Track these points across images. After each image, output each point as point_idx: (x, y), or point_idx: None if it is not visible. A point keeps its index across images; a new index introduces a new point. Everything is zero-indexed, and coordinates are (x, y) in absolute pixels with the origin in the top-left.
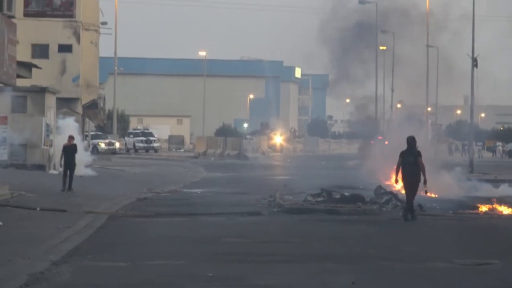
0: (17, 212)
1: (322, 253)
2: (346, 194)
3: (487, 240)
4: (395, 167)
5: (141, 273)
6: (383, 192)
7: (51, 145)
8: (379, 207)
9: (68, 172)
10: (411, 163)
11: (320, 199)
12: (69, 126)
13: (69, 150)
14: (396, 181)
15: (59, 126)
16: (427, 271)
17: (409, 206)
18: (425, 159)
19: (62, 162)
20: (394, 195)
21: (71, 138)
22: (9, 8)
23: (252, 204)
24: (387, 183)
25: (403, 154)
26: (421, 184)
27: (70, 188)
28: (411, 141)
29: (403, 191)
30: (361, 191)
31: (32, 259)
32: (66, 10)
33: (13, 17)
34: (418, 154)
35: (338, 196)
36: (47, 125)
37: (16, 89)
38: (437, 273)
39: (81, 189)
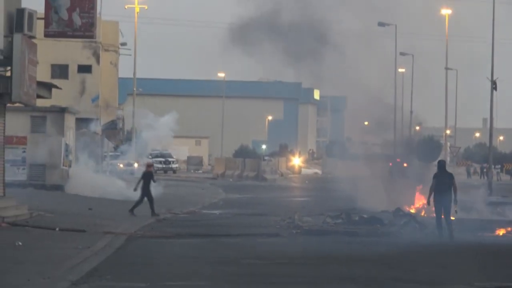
0: (36, 232)
1: (341, 275)
2: (365, 216)
3: (508, 263)
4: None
5: None
6: (402, 214)
7: (70, 166)
8: (397, 229)
9: (146, 199)
10: (446, 184)
11: (339, 221)
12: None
13: (147, 177)
14: (428, 203)
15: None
16: None
17: (439, 225)
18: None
19: (139, 187)
20: (413, 217)
21: (149, 166)
22: (30, 28)
23: (271, 225)
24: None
25: (437, 176)
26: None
27: (153, 213)
28: (443, 163)
29: (422, 213)
30: (380, 213)
31: (51, 279)
32: (87, 31)
33: (34, 37)
34: (452, 176)
35: (357, 218)
36: (66, 145)
37: (35, 109)
38: None
39: (100, 210)
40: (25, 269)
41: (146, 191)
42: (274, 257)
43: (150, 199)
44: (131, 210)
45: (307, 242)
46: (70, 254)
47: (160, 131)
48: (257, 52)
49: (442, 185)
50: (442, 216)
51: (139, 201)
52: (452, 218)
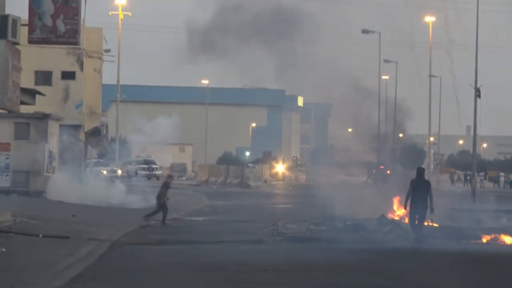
0: (20, 238)
1: (324, 282)
2: (349, 223)
3: (490, 271)
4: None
5: None
6: (386, 221)
7: (53, 172)
8: (382, 237)
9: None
10: (422, 191)
11: (323, 228)
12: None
13: (166, 187)
14: (405, 207)
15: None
16: None
17: (416, 232)
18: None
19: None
20: (396, 224)
21: (170, 176)
22: (14, 35)
23: (254, 232)
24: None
25: (413, 183)
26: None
27: (164, 222)
28: (422, 171)
29: (406, 220)
30: (364, 220)
31: (35, 285)
32: (71, 37)
33: (17, 43)
34: (428, 183)
35: (340, 225)
36: (50, 152)
37: (19, 115)
38: None
39: (84, 216)
40: (8, 276)
41: (162, 200)
42: (258, 264)
43: (165, 208)
44: (147, 216)
45: (290, 249)
46: (54, 261)
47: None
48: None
49: (418, 192)
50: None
51: (157, 211)
52: (426, 223)
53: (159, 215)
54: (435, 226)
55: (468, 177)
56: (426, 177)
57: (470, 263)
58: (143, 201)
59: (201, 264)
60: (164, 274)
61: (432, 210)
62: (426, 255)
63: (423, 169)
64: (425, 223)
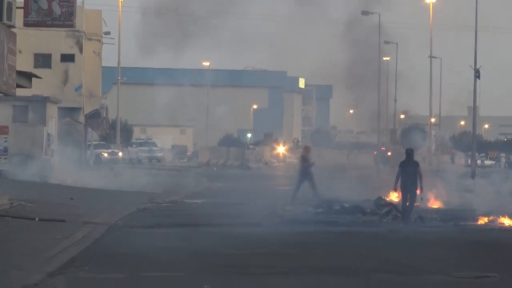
0: (15, 222)
1: (320, 265)
2: (346, 205)
3: (487, 253)
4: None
5: (137, 285)
6: (383, 204)
7: (52, 155)
8: (379, 219)
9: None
10: (410, 173)
11: (320, 210)
12: None
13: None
14: (395, 189)
15: None
16: (424, 284)
17: (404, 212)
18: (424, 169)
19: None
20: (394, 206)
21: (307, 148)
22: (9, 17)
23: (252, 215)
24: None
25: (402, 164)
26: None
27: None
28: (410, 152)
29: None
30: (361, 202)
31: (27, 270)
32: (66, 20)
33: (13, 26)
34: (417, 164)
35: (338, 207)
36: (48, 134)
37: (17, 98)
38: (434, 286)
39: (82, 200)
40: (0, 260)
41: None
42: (254, 247)
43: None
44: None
45: (287, 231)
46: (49, 245)
47: None
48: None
49: (407, 173)
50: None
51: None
52: (417, 204)
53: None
54: (430, 208)
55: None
56: (419, 158)
57: (467, 245)
58: (143, 183)
59: (197, 248)
60: (159, 258)
61: (421, 190)
62: (422, 238)
63: (412, 150)
64: (416, 204)
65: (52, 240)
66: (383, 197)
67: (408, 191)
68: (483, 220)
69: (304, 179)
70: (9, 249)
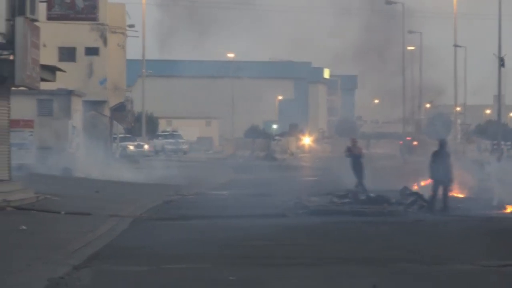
0: (41, 216)
1: (346, 255)
2: (372, 195)
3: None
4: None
5: (162, 277)
6: (408, 193)
7: (77, 148)
8: (404, 208)
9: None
10: (442, 163)
11: (346, 200)
12: None
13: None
14: (430, 179)
15: None
16: (450, 273)
17: (432, 202)
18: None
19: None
20: (420, 196)
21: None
22: (32, 11)
23: (277, 206)
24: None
25: (435, 154)
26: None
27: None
28: (443, 142)
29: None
30: (387, 192)
31: (52, 263)
32: (89, 13)
33: (36, 20)
34: (448, 155)
35: (363, 198)
36: (73, 128)
37: (42, 92)
38: (459, 275)
39: (107, 192)
40: (27, 253)
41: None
42: (279, 238)
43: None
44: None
45: (312, 222)
46: (74, 238)
47: None
48: None
49: (439, 163)
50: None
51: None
52: (460, 195)
53: None
54: (457, 197)
55: (495, 147)
56: (453, 148)
57: (493, 234)
58: (169, 176)
59: (222, 239)
60: (184, 250)
61: (452, 181)
62: (447, 227)
63: (445, 141)
64: (449, 194)
65: (78, 233)
66: (408, 187)
67: (439, 181)
68: (509, 208)
69: (357, 169)
70: (35, 242)
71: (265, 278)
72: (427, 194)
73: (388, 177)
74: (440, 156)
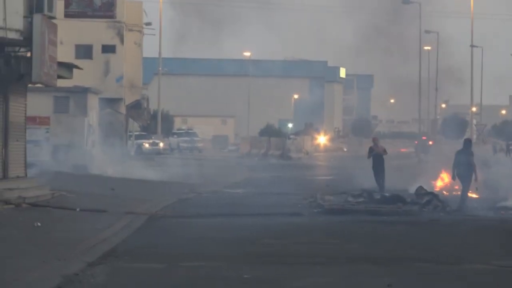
0: (57, 212)
1: (360, 255)
2: (387, 194)
3: None
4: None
5: (177, 275)
6: (424, 193)
7: (93, 146)
8: (419, 208)
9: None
10: (465, 162)
11: (361, 199)
12: None
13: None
14: (453, 178)
15: None
16: (465, 273)
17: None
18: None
19: None
20: (435, 195)
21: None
22: (50, 9)
23: (292, 204)
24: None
25: (458, 153)
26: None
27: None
28: (468, 142)
29: (444, 192)
30: (402, 191)
31: (67, 260)
32: (107, 11)
33: (54, 17)
34: (471, 154)
35: (378, 197)
36: (89, 125)
37: (59, 89)
38: (474, 275)
39: (122, 190)
40: (41, 250)
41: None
42: (294, 237)
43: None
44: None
45: (328, 221)
46: (89, 235)
47: None
48: None
49: (461, 163)
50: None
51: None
52: (474, 195)
53: None
54: (474, 197)
55: (511, 147)
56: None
57: (507, 234)
58: (184, 173)
59: (237, 238)
60: (199, 248)
61: (476, 179)
62: (462, 227)
63: (470, 140)
64: (469, 194)
65: (93, 230)
66: (423, 186)
67: (461, 180)
68: None
69: (379, 169)
70: (50, 239)
71: (280, 276)
72: (442, 194)
73: (404, 177)
74: (464, 155)
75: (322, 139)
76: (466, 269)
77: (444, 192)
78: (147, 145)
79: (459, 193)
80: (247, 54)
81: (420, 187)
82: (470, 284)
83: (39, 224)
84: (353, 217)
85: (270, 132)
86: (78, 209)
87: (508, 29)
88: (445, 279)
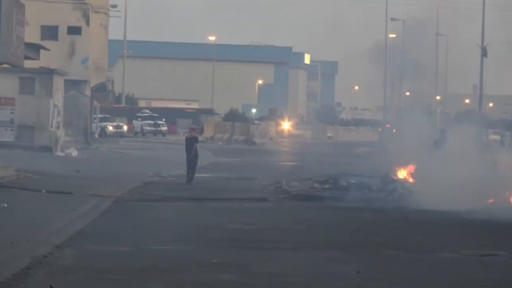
0: (22, 194)
1: (327, 241)
2: (353, 181)
3: (496, 232)
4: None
5: (145, 258)
6: (389, 181)
7: (58, 127)
8: (385, 196)
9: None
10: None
11: (327, 186)
12: None
13: (190, 142)
14: None
15: None
16: (432, 261)
17: None
18: None
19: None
20: (400, 183)
21: (192, 130)
22: None
23: (258, 190)
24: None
25: (436, 144)
26: None
27: (190, 180)
28: (444, 133)
29: (410, 179)
30: (368, 179)
31: (35, 242)
32: None
33: None
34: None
35: (344, 184)
36: (55, 106)
37: (24, 70)
38: (442, 264)
39: (88, 172)
40: (8, 231)
41: (188, 156)
42: (261, 222)
43: (192, 166)
44: (189, 182)
45: (294, 207)
46: (56, 217)
47: None
48: None
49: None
50: None
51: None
52: None
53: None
54: None
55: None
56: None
57: (475, 224)
58: (148, 156)
59: (203, 222)
60: (166, 232)
61: None
62: (429, 216)
63: (445, 131)
64: None
65: (59, 212)
66: (389, 174)
67: None
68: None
69: None
70: (17, 220)
71: (248, 261)
72: (407, 182)
73: (369, 164)
74: (440, 145)
75: (286, 125)
76: (434, 257)
77: (410, 180)
78: (111, 128)
79: None
80: (211, 38)
81: (386, 175)
82: (437, 272)
83: (5, 205)
84: (319, 203)
85: (234, 117)
86: (43, 191)
87: (473, 17)
88: (413, 266)
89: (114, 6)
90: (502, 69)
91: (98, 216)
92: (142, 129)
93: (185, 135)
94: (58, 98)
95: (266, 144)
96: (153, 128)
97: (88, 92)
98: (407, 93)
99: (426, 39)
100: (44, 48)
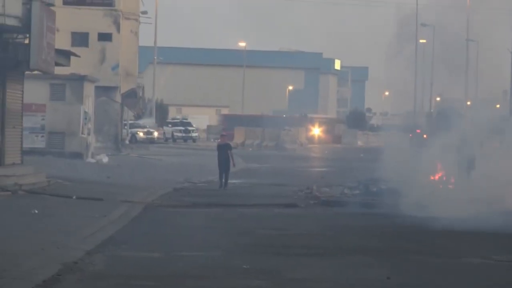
0: (53, 200)
1: (357, 247)
2: (383, 187)
3: None
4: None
5: (174, 264)
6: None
7: (89, 134)
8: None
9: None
10: None
11: (357, 192)
12: None
13: (222, 148)
14: None
15: None
16: (462, 266)
17: None
18: None
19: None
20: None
21: (223, 136)
22: None
23: (289, 196)
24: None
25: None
26: None
27: (225, 186)
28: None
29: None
30: (398, 184)
31: (66, 248)
32: None
33: (52, 5)
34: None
35: (375, 189)
36: (85, 113)
37: (55, 77)
38: (472, 269)
39: (118, 178)
40: (40, 237)
41: (220, 163)
42: (291, 228)
43: (226, 172)
44: (223, 186)
45: (324, 213)
46: (86, 223)
47: None
48: None
49: None
50: None
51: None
52: None
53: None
54: None
55: None
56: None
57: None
58: (179, 163)
59: (233, 228)
60: (196, 238)
61: None
62: (460, 221)
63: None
64: None
65: (90, 218)
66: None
67: None
68: None
69: None
70: (48, 226)
71: (278, 267)
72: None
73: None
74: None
75: (316, 131)
76: (464, 262)
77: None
78: (141, 134)
79: None
80: (242, 44)
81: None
82: (467, 278)
83: (36, 211)
84: (349, 209)
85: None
86: (74, 197)
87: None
88: (442, 272)
89: (145, 12)
90: None
91: (128, 222)
92: (172, 135)
93: (217, 141)
94: (89, 104)
95: (297, 150)
96: (183, 134)
97: (118, 98)
98: (438, 99)
99: (456, 44)
100: (75, 55)
